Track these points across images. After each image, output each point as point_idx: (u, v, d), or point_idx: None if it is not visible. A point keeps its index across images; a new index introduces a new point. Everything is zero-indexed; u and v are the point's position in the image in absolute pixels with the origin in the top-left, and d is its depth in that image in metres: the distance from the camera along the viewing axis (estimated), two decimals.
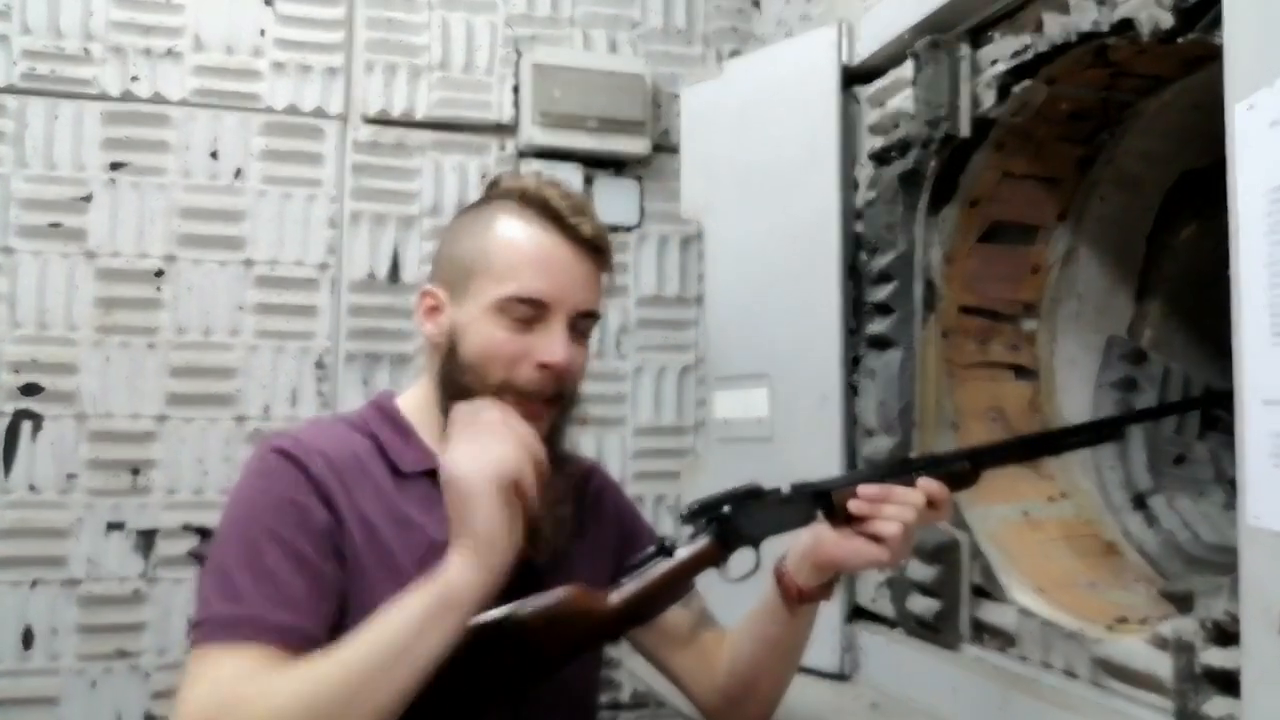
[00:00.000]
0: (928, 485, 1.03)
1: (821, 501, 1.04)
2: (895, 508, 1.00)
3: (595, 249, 1.07)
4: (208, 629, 0.90)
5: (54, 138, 1.70)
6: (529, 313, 1.04)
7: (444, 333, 1.07)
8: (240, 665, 0.88)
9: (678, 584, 1.05)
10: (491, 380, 1.03)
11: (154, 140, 1.75)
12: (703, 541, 1.04)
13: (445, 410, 1.05)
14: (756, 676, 1.13)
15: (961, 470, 1.07)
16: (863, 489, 1.02)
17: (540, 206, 1.06)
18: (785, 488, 1.06)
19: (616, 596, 1.00)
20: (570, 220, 1.06)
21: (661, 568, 1.03)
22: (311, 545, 0.96)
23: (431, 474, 1.02)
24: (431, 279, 1.11)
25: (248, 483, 1.01)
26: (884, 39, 1.49)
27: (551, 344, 1.04)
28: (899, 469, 1.06)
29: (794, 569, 1.07)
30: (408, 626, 0.87)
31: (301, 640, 0.90)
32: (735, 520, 1.04)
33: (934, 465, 1.07)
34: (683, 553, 1.03)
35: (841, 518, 1.03)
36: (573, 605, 0.97)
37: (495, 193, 1.12)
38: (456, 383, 1.05)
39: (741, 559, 1.06)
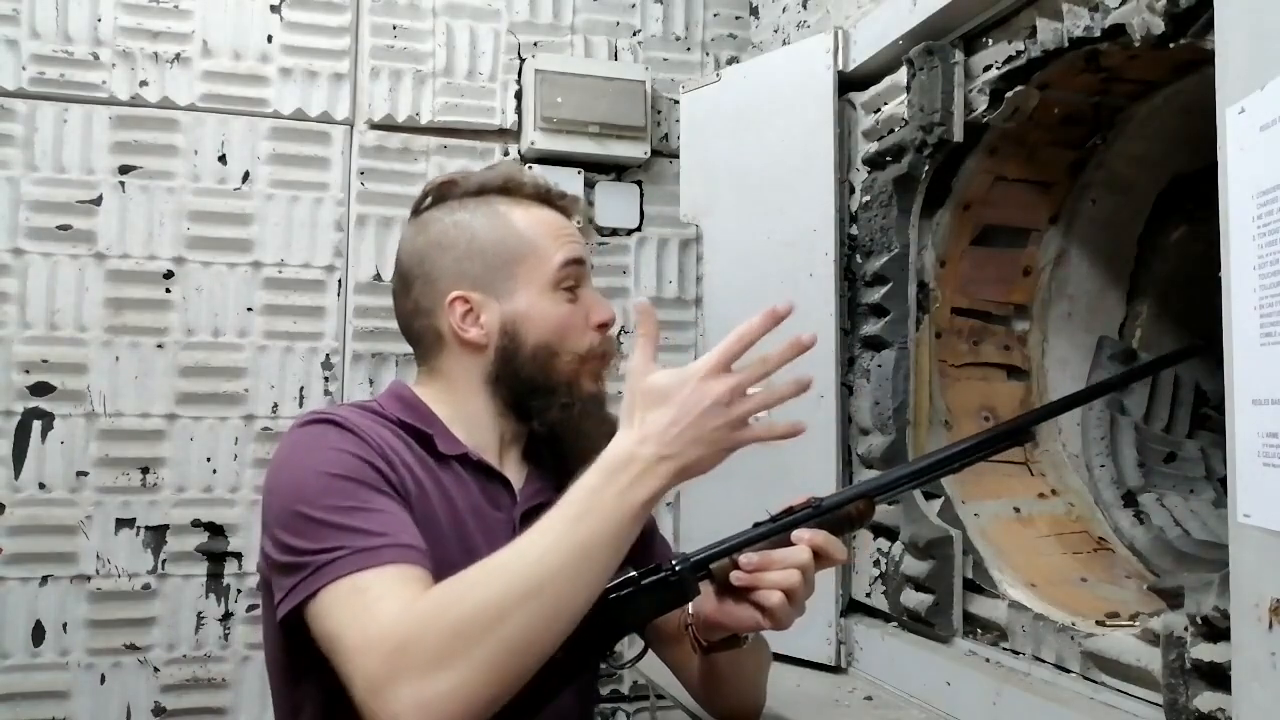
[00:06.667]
0: (813, 539, 0.98)
1: (703, 573, 0.98)
2: (777, 574, 0.95)
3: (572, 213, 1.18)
4: (346, 561, 0.88)
5: (63, 141, 1.72)
6: (577, 275, 1.11)
7: (495, 330, 1.09)
8: (407, 581, 0.87)
9: (555, 682, 0.94)
10: (577, 350, 1.10)
11: (163, 144, 1.76)
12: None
13: (517, 410, 1.10)
14: (715, 691, 1.16)
15: (852, 512, 1.02)
16: (743, 559, 0.96)
17: (526, 192, 1.15)
18: (666, 565, 0.98)
19: None
20: (554, 195, 1.16)
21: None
22: (391, 491, 0.97)
23: (460, 459, 1.08)
24: (453, 285, 1.10)
25: (306, 446, 0.99)
26: (878, 46, 1.51)
27: (598, 304, 1.13)
28: (784, 525, 1.00)
29: (695, 622, 1.06)
30: (580, 499, 0.88)
31: (428, 561, 0.91)
32: (613, 611, 0.96)
33: (820, 514, 1.01)
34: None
35: (725, 588, 0.98)
36: None
37: (461, 192, 1.15)
38: (525, 373, 1.08)
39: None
